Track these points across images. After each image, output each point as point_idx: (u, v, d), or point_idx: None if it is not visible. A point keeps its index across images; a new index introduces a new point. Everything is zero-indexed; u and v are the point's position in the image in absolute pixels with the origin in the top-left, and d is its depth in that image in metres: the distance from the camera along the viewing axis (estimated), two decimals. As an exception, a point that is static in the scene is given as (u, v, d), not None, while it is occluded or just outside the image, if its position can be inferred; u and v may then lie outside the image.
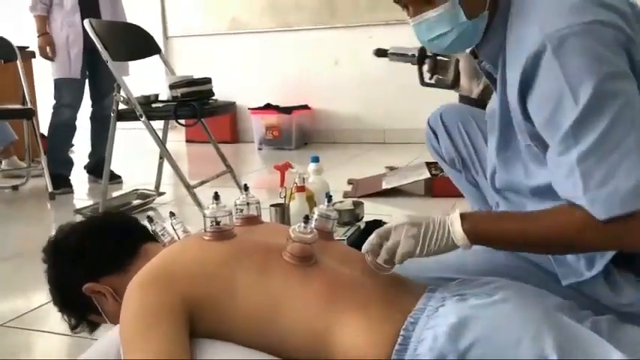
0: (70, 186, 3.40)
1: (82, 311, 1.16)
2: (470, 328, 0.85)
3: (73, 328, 1.19)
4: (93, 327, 1.20)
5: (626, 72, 0.92)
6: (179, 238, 1.17)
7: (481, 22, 1.06)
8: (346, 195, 2.77)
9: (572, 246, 0.96)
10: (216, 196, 1.08)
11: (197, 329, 0.97)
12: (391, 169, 3.24)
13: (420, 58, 1.51)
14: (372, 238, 1.02)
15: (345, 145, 4.68)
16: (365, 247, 1.03)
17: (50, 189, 3.18)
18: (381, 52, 1.63)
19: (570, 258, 1.04)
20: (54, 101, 3.44)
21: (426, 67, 1.52)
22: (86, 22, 2.57)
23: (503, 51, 1.04)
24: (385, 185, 2.86)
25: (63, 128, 3.45)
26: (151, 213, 1.23)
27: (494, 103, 1.20)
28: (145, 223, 1.19)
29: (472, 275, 1.04)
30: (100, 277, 1.11)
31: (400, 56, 1.58)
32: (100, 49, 2.54)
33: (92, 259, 1.12)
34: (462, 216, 0.98)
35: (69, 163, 3.53)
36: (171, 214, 1.18)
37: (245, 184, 1.22)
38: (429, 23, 1.06)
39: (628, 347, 0.85)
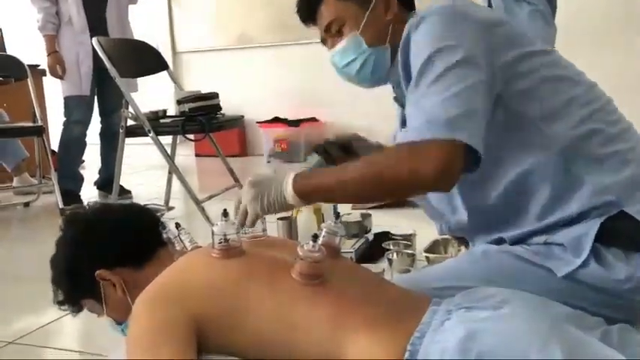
0: (81, 202, 3.41)
1: (81, 292, 1.16)
2: (477, 341, 0.84)
3: (58, 303, 1.18)
4: (78, 309, 1.19)
5: (470, 37, 1.05)
6: (187, 249, 1.16)
7: (384, 53, 1.26)
8: (354, 207, 2.76)
9: (383, 177, 1.01)
10: (225, 213, 1.08)
11: (203, 345, 0.97)
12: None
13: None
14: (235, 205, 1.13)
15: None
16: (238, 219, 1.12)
17: (61, 205, 3.19)
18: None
19: (558, 251, 1.08)
20: (64, 118, 3.47)
21: None
22: (94, 40, 2.61)
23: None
24: (394, 197, 2.84)
25: (73, 145, 3.48)
26: (164, 220, 1.23)
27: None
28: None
29: (471, 282, 1.05)
30: (116, 267, 1.12)
31: None
32: (108, 66, 2.57)
33: (118, 248, 1.13)
34: (296, 176, 1.08)
35: (79, 180, 3.55)
36: (177, 225, 1.18)
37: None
38: (339, 53, 1.29)
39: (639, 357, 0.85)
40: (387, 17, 1.26)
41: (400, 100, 1.30)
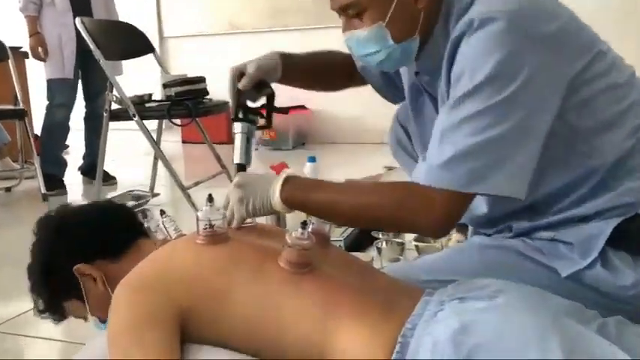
0: (64, 187, 3.36)
1: (61, 294, 1.11)
2: (472, 333, 0.81)
3: (40, 312, 1.14)
4: (60, 316, 1.14)
5: (533, 66, 0.92)
6: (171, 238, 1.14)
7: (411, 45, 1.09)
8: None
9: (382, 214, 1.00)
10: (210, 198, 1.05)
11: (188, 334, 0.93)
12: (389, 169, 3.20)
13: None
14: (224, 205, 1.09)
15: (343, 146, 4.64)
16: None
17: (43, 190, 3.13)
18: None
19: (564, 250, 1.04)
20: (47, 102, 3.40)
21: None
22: (78, 20, 2.54)
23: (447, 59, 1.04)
24: (383, 186, 2.82)
25: (56, 129, 3.41)
26: (147, 208, 1.20)
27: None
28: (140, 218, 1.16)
29: (466, 276, 1.02)
30: (93, 261, 1.07)
31: None
32: (92, 47, 2.51)
33: (95, 241, 1.09)
34: (285, 181, 1.03)
35: (62, 164, 3.49)
36: (162, 212, 1.15)
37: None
38: (359, 40, 1.09)
39: (638, 350, 0.83)
40: (419, 5, 1.06)
41: (425, 86, 1.19)
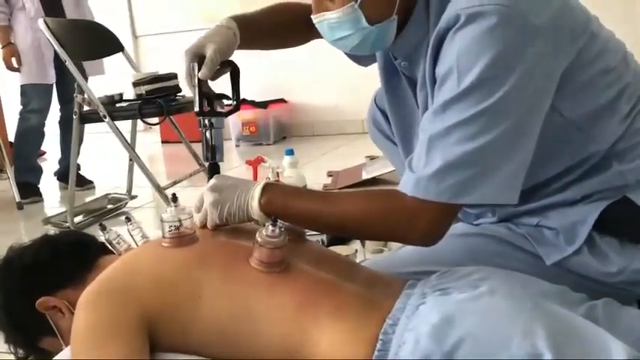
0: (40, 194, 3.28)
1: (33, 335, 1.05)
2: (455, 326, 0.77)
3: (21, 359, 1.08)
4: (45, 357, 1.08)
5: (527, 63, 0.86)
6: (137, 245, 1.09)
7: (388, 27, 1.01)
8: (326, 188, 2.69)
9: (368, 227, 0.98)
10: (174, 198, 1.00)
11: (157, 343, 0.89)
12: (371, 158, 3.17)
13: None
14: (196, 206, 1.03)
15: (325, 137, 4.60)
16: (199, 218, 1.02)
17: (18, 199, 3.06)
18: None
19: (549, 236, 1.01)
20: (20, 107, 3.30)
21: None
22: (40, 21, 2.46)
23: (426, 45, 0.98)
24: (365, 175, 2.78)
25: (31, 135, 3.32)
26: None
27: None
28: (100, 232, 1.10)
29: (450, 266, 0.98)
30: (55, 292, 1.02)
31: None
32: (57, 49, 2.43)
33: (45, 272, 1.04)
34: (265, 188, 0.98)
35: (37, 171, 3.40)
36: (127, 219, 1.10)
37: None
38: (330, 24, 1.01)
39: (626, 332, 0.80)
40: None
41: (403, 71, 1.13)
